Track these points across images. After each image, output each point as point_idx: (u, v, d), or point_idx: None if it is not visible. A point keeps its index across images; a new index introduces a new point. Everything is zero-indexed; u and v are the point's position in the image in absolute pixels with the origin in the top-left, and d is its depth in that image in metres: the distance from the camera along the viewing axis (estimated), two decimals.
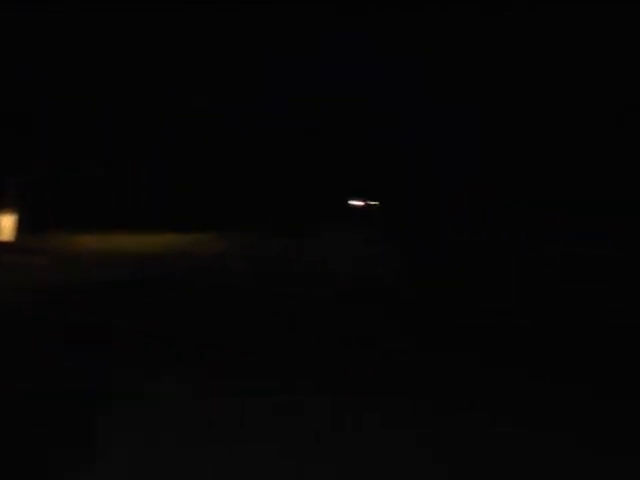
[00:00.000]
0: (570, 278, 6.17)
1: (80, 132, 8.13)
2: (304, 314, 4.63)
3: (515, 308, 5.47)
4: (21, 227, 7.82)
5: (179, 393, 2.78)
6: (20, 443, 2.23)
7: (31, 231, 8.56)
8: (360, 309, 5.01)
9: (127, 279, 5.79)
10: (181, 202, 10.26)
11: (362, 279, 6.56)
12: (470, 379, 3.40)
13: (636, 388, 3.40)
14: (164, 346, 3.48)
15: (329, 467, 2.22)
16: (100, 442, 2.24)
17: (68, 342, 3.41)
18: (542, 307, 5.65)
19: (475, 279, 6.25)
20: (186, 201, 10.33)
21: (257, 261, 8.19)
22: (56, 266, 6.39)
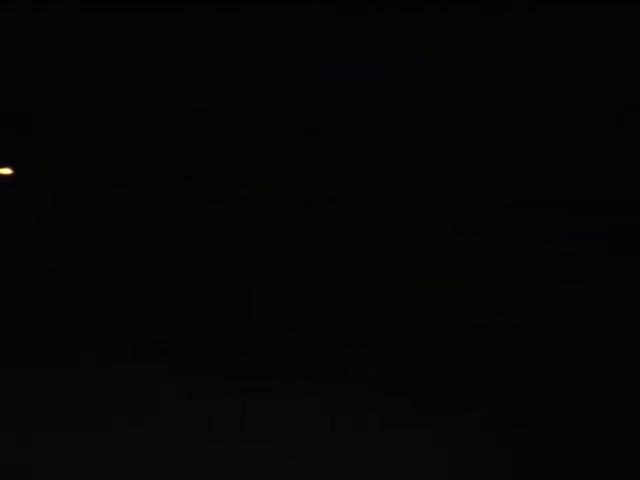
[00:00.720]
0: (570, 278, 6.15)
1: (80, 132, 8.06)
2: None
3: (515, 308, 5.45)
4: None
5: None
6: None
7: None
8: None
9: None
10: None
11: None
12: (470, 379, 3.40)
13: (637, 389, 3.40)
14: None
15: (329, 468, 2.22)
16: None
17: None
18: (542, 307, 5.63)
19: (475, 279, 6.23)
20: None
21: None
22: None
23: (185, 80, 3.33)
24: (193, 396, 2.82)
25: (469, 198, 3.51)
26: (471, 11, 3.01)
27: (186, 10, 3.04)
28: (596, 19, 3.06)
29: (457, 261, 4.11)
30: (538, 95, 3.33)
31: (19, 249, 3.42)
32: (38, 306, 3.94)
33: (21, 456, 2.18)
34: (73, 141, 3.43)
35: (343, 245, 3.68)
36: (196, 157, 3.41)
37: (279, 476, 2.18)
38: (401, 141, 3.28)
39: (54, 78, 3.23)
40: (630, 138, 3.25)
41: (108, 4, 3.04)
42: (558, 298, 4.71)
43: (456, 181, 3.40)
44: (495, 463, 2.42)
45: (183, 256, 3.85)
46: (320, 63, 3.17)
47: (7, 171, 3.57)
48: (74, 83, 3.28)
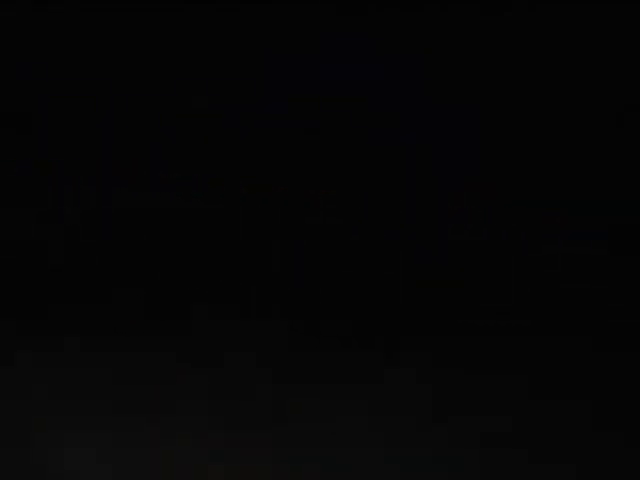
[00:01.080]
0: (570, 278, 6.15)
1: (80, 132, 8.04)
2: None
3: (515, 308, 5.46)
4: None
5: None
6: None
7: None
8: None
9: None
10: None
11: None
12: (470, 379, 3.40)
13: (637, 389, 3.40)
14: None
15: (329, 468, 2.22)
16: None
17: None
18: (542, 307, 5.64)
19: (475, 279, 6.23)
20: None
21: None
22: None
23: (185, 80, 3.33)
24: (193, 396, 2.83)
25: (469, 198, 3.51)
26: (471, 11, 3.01)
27: (186, 10, 3.04)
28: (596, 19, 3.06)
29: (457, 261, 4.11)
30: (538, 95, 3.33)
31: (19, 249, 3.42)
32: (38, 306, 3.94)
33: (21, 456, 2.18)
34: (73, 141, 3.43)
35: (343, 245, 3.69)
36: (196, 157, 3.41)
37: (279, 476, 2.18)
38: (401, 141, 3.28)
39: (54, 78, 3.23)
40: (630, 138, 3.25)
41: (108, 4, 3.04)
42: (558, 298, 4.72)
43: (456, 181, 3.40)
44: (495, 463, 2.42)
45: (183, 256, 3.86)
46: (320, 63, 3.17)
47: None
48: (74, 83, 3.29)
